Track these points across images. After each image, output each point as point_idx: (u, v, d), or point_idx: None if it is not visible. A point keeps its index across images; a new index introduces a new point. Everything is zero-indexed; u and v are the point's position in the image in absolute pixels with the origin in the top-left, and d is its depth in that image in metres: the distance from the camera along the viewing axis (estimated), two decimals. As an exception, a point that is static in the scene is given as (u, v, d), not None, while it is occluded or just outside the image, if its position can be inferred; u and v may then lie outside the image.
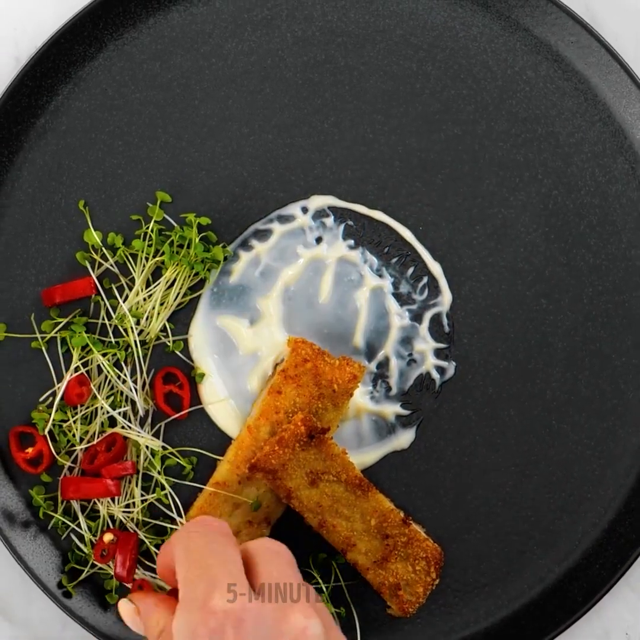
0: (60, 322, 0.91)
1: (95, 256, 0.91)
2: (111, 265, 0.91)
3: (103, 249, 0.92)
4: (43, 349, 0.91)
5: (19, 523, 0.91)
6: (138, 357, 0.91)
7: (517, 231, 0.93)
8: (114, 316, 0.91)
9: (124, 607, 0.81)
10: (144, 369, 0.91)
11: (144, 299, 0.91)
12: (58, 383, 0.91)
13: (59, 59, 0.92)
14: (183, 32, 0.93)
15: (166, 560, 0.75)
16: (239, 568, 0.70)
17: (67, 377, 0.90)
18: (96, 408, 0.91)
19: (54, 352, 0.91)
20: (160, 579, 0.82)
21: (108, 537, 0.88)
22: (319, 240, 0.93)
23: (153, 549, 0.90)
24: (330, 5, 0.93)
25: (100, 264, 0.92)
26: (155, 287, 0.91)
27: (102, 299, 0.91)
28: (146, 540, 0.90)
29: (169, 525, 0.90)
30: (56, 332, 0.91)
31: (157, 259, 0.91)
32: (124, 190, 0.93)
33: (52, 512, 0.91)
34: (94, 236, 0.91)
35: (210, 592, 0.68)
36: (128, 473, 0.89)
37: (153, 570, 0.91)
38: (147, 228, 0.92)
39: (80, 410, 0.91)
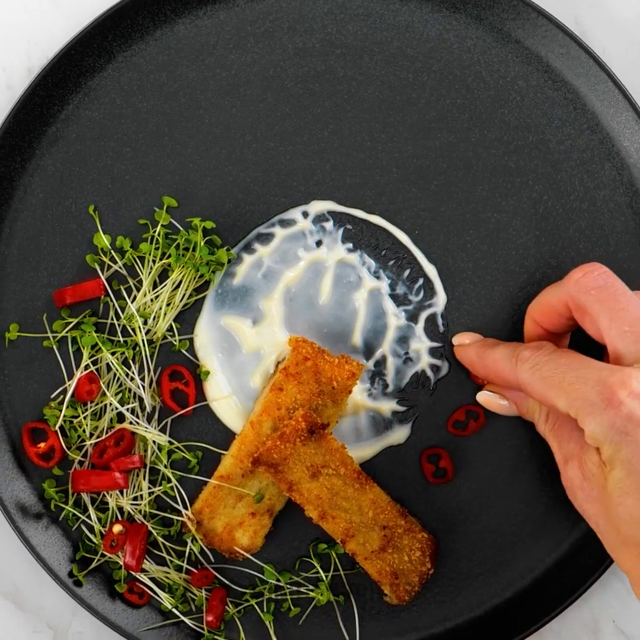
0: (71, 322, 0.91)
1: (104, 259, 0.92)
2: (120, 267, 0.92)
3: (112, 251, 0.92)
4: (54, 348, 0.92)
5: (31, 515, 0.91)
6: (145, 355, 0.91)
7: (509, 235, 0.93)
8: (122, 316, 0.91)
9: (492, 400, 0.89)
10: (151, 367, 0.92)
11: (151, 300, 0.92)
12: (69, 381, 0.91)
13: (69, 70, 0.92)
14: (189, 43, 0.93)
15: (495, 372, 0.83)
16: (597, 361, 0.76)
17: (78, 374, 0.91)
18: (105, 404, 0.91)
19: (65, 350, 0.92)
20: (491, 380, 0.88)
21: (117, 528, 0.89)
22: (319, 243, 0.94)
23: (160, 539, 0.90)
24: (330, 18, 0.93)
25: (109, 266, 0.92)
26: (162, 288, 0.92)
27: (111, 300, 0.92)
28: (154, 531, 0.90)
29: (175, 517, 0.91)
30: (67, 332, 0.91)
31: (163, 261, 0.91)
32: (132, 196, 0.92)
33: (62, 504, 0.91)
34: (103, 239, 0.91)
35: (604, 388, 0.73)
36: (136, 466, 0.89)
37: (158, 560, 0.91)
38: (154, 232, 0.92)
39: (90, 407, 0.91)
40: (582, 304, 0.80)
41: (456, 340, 0.91)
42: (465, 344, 0.90)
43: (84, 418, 0.90)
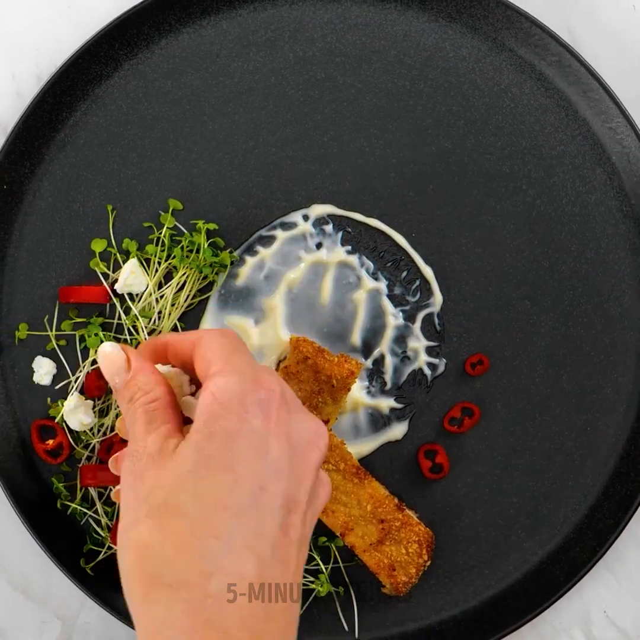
0: (78, 322, 0.92)
1: (102, 267, 0.91)
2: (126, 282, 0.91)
3: (117, 254, 0.92)
4: (60, 347, 0.92)
5: (40, 509, 0.91)
6: None
7: (503, 237, 0.94)
8: (127, 316, 0.91)
9: (109, 351, 0.70)
10: (157, 365, 0.92)
11: (157, 300, 0.92)
12: (77, 379, 0.92)
13: (77, 78, 0.92)
14: (193, 52, 0.93)
15: (184, 349, 0.70)
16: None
17: (83, 371, 0.91)
18: (111, 402, 0.91)
19: (73, 349, 0.92)
20: (168, 361, 0.73)
21: None
22: (319, 245, 0.94)
23: None
24: (330, 28, 0.94)
25: (115, 268, 0.92)
26: (166, 288, 0.92)
27: (115, 302, 0.92)
28: None
29: None
30: (74, 331, 0.92)
31: (169, 262, 0.92)
32: (138, 199, 0.93)
33: (68, 502, 0.91)
34: (99, 244, 0.92)
35: (258, 370, 0.65)
36: None
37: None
38: (160, 234, 0.92)
39: (97, 404, 0.91)
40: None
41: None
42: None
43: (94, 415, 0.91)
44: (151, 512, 0.62)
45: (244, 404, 0.64)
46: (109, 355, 0.69)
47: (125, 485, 0.65)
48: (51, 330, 0.92)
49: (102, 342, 0.88)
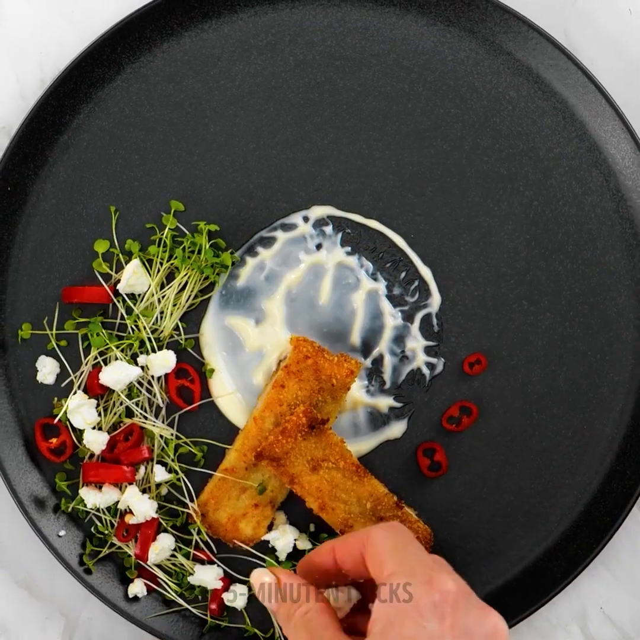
0: (81, 322, 0.92)
1: (105, 268, 0.92)
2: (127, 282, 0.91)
3: (120, 254, 0.92)
4: (63, 347, 0.92)
5: (44, 506, 0.91)
6: (153, 352, 0.91)
7: (500, 238, 0.94)
8: (130, 316, 0.91)
9: (259, 577, 0.75)
10: (159, 365, 0.92)
11: (159, 300, 0.92)
12: (79, 378, 0.92)
13: (80, 81, 0.92)
14: (194, 56, 0.94)
15: (353, 550, 0.72)
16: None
17: (86, 370, 0.91)
18: (114, 401, 0.92)
19: (76, 349, 0.92)
20: (339, 565, 0.75)
21: (130, 517, 0.89)
22: (319, 246, 0.94)
23: (171, 530, 0.91)
24: (329, 32, 0.94)
25: (117, 269, 0.92)
26: (168, 289, 0.92)
27: (117, 302, 0.92)
28: (163, 522, 0.91)
29: (181, 509, 0.91)
30: (77, 330, 0.92)
31: (171, 262, 0.92)
32: (140, 201, 0.93)
33: (73, 496, 0.91)
34: (101, 245, 0.92)
35: (432, 568, 0.67)
36: (145, 457, 0.90)
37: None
38: (162, 235, 0.92)
39: (100, 403, 0.92)
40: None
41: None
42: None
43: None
44: None
45: (419, 608, 0.65)
46: (259, 581, 0.74)
47: None
48: (53, 330, 0.92)
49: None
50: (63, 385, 0.93)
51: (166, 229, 0.92)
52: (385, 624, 0.66)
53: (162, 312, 0.92)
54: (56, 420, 0.91)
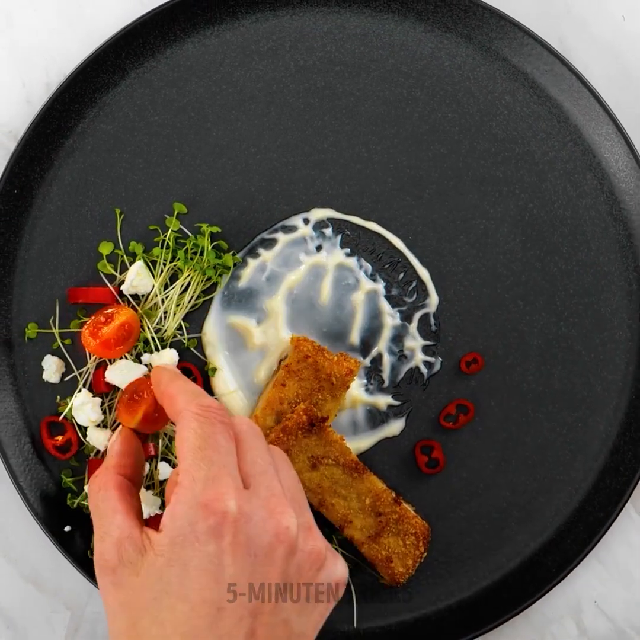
0: (86, 321, 0.91)
1: (109, 269, 0.92)
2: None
3: (124, 256, 0.93)
4: (66, 346, 0.93)
5: (50, 503, 0.92)
6: (157, 351, 0.91)
7: (496, 240, 0.94)
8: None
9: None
10: (162, 364, 0.91)
11: (162, 301, 0.92)
12: (83, 376, 0.92)
13: (85, 86, 0.93)
14: (197, 61, 0.94)
15: (169, 398, 0.73)
16: (235, 464, 0.69)
17: (91, 369, 0.92)
18: (118, 399, 0.90)
19: (80, 348, 0.92)
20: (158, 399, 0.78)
21: None
22: (319, 248, 0.94)
23: None
24: (329, 38, 0.94)
25: (122, 270, 0.92)
26: (171, 290, 0.92)
27: (121, 303, 0.92)
28: None
29: None
30: (81, 329, 0.91)
31: (174, 263, 0.92)
32: (144, 203, 0.93)
33: (74, 498, 0.92)
34: (106, 247, 0.92)
35: (212, 489, 0.66)
36: (150, 454, 0.90)
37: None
38: (165, 237, 0.93)
39: (105, 401, 0.92)
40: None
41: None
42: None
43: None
44: (121, 632, 0.67)
45: (196, 533, 0.65)
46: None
47: (99, 578, 0.70)
48: (57, 329, 0.93)
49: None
50: (67, 379, 0.93)
51: (169, 231, 0.93)
52: (169, 542, 0.66)
53: (165, 312, 0.93)
54: (61, 417, 0.92)
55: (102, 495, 0.72)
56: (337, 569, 0.71)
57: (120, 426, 0.81)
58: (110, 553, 0.69)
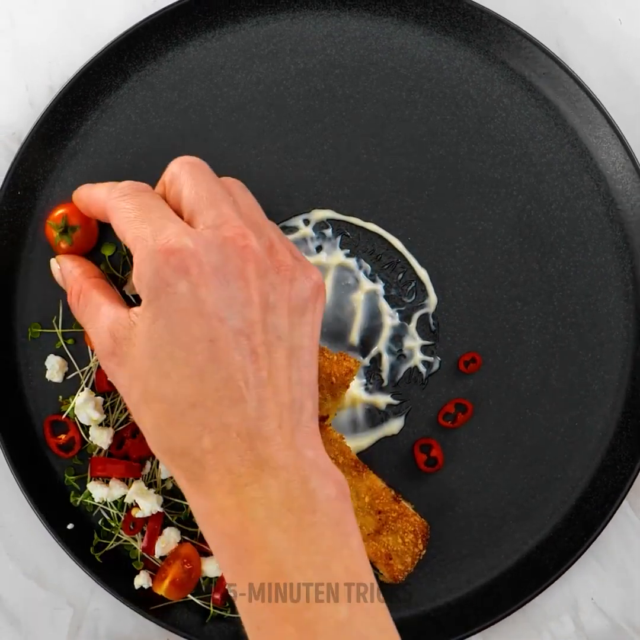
0: None
1: (112, 270, 0.92)
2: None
3: (126, 257, 0.93)
4: (68, 345, 0.93)
5: (52, 500, 0.92)
6: None
7: (494, 241, 0.95)
8: None
9: (53, 265, 0.85)
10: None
11: None
12: (86, 376, 0.93)
13: (88, 88, 0.93)
14: (198, 64, 0.94)
15: (93, 203, 0.77)
16: (173, 213, 0.69)
17: (93, 368, 0.92)
18: (120, 398, 0.92)
19: (83, 347, 0.93)
20: (82, 209, 0.83)
21: (137, 511, 0.90)
22: (319, 248, 0.94)
23: (175, 523, 0.92)
24: (329, 41, 0.94)
25: (124, 271, 0.92)
26: None
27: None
28: (169, 516, 0.92)
29: (185, 503, 0.92)
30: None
31: None
32: None
33: (77, 496, 0.92)
34: (108, 248, 0.92)
35: (163, 236, 0.66)
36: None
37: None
38: None
39: (107, 400, 0.92)
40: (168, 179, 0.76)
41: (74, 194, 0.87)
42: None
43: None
44: (139, 401, 0.69)
45: (164, 279, 0.66)
46: (53, 269, 0.84)
47: (106, 368, 0.72)
48: (60, 329, 0.93)
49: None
50: (70, 378, 0.93)
51: (171, 232, 0.93)
52: (146, 300, 0.69)
53: (167, 313, 0.93)
54: (64, 416, 0.92)
55: (83, 301, 0.75)
56: (312, 275, 0.72)
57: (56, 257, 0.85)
58: (106, 340, 0.71)
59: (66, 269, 0.83)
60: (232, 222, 0.69)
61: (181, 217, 0.72)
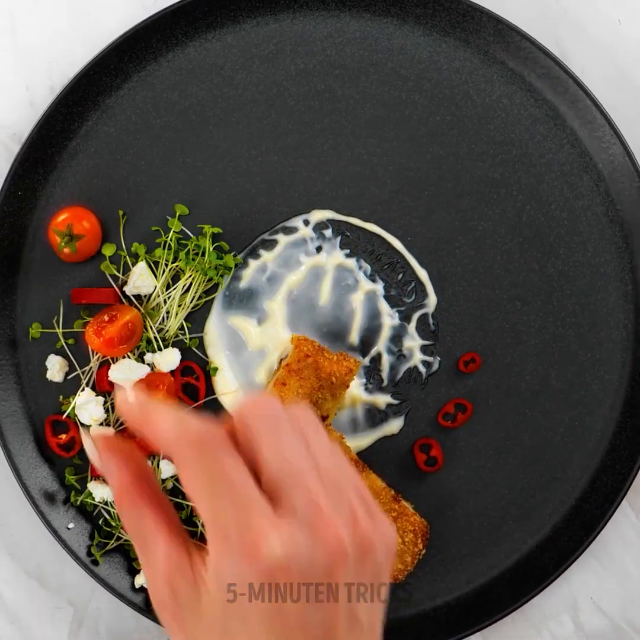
0: (89, 321, 0.92)
1: (112, 269, 0.93)
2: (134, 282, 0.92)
3: (127, 257, 0.93)
4: (69, 345, 0.93)
5: (53, 500, 0.92)
6: (159, 350, 0.92)
7: (494, 241, 0.95)
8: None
9: (87, 442, 0.66)
10: (164, 363, 0.92)
11: (164, 301, 0.93)
12: (86, 376, 0.93)
13: (88, 89, 0.93)
14: (199, 65, 0.94)
15: (152, 432, 0.59)
16: (255, 488, 0.59)
17: (94, 368, 0.92)
18: None
19: (84, 347, 0.93)
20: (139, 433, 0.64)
21: None
22: (319, 249, 0.94)
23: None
24: (329, 42, 0.94)
25: (124, 271, 0.93)
26: (173, 290, 0.93)
27: (124, 303, 0.93)
28: None
29: (186, 502, 0.92)
30: (84, 329, 0.92)
31: (176, 264, 0.93)
32: (146, 205, 0.93)
33: (77, 495, 0.92)
34: (109, 248, 0.93)
35: (248, 536, 0.58)
36: (152, 450, 0.89)
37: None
38: (167, 238, 0.93)
39: (108, 400, 0.93)
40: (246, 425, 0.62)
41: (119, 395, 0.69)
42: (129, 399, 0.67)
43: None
44: None
45: (249, 588, 0.58)
46: (90, 449, 0.66)
47: (164, 620, 0.61)
48: (61, 329, 0.93)
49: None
50: (70, 380, 0.93)
51: (171, 232, 0.93)
52: (221, 599, 0.59)
53: (167, 312, 0.93)
54: (64, 416, 0.92)
55: (135, 514, 0.62)
56: (388, 540, 0.62)
57: (92, 436, 0.67)
58: (164, 592, 0.61)
59: (106, 459, 0.65)
60: (323, 516, 0.60)
61: (257, 476, 0.61)
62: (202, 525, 0.90)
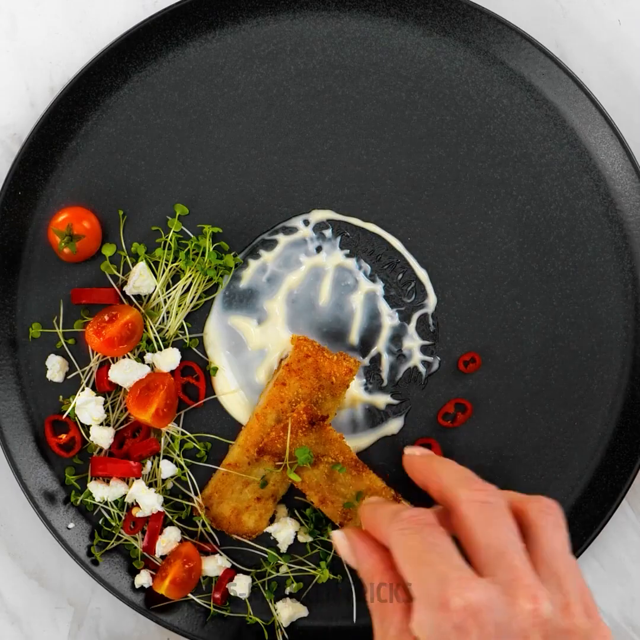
0: (89, 321, 0.92)
1: (112, 269, 0.93)
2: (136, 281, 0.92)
3: (127, 257, 0.93)
4: (69, 345, 0.93)
5: (53, 500, 0.92)
6: (159, 350, 0.92)
7: (494, 241, 0.95)
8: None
9: (340, 541, 0.79)
10: (164, 363, 0.92)
11: (164, 301, 0.93)
12: (86, 375, 0.93)
13: (89, 89, 0.93)
14: (199, 65, 0.94)
15: (374, 528, 0.76)
16: (457, 555, 0.67)
17: (93, 367, 0.92)
18: (121, 398, 0.92)
19: (84, 347, 0.93)
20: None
21: (137, 510, 0.90)
22: (319, 249, 0.94)
23: (176, 522, 0.92)
24: (329, 42, 0.94)
25: (124, 271, 0.93)
26: (173, 290, 0.93)
27: (124, 303, 0.93)
28: (169, 515, 0.92)
29: (186, 502, 0.92)
30: (84, 329, 0.92)
31: (176, 264, 0.93)
32: (146, 205, 0.93)
33: (82, 490, 0.92)
34: (109, 248, 0.92)
35: (445, 589, 0.65)
36: (154, 448, 0.91)
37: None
38: (167, 238, 0.93)
39: (108, 400, 0.93)
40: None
41: (408, 450, 0.88)
42: (414, 456, 0.85)
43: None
44: None
45: (444, 634, 0.65)
46: (338, 542, 0.80)
47: None
48: (61, 329, 0.93)
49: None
50: (70, 380, 0.93)
51: (171, 232, 0.93)
52: None
53: (167, 312, 0.93)
54: (65, 416, 0.92)
55: (384, 593, 0.72)
56: None
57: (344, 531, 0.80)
58: None
59: (362, 556, 0.77)
60: (523, 580, 0.66)
61: (465, 555, 0.70)
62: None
